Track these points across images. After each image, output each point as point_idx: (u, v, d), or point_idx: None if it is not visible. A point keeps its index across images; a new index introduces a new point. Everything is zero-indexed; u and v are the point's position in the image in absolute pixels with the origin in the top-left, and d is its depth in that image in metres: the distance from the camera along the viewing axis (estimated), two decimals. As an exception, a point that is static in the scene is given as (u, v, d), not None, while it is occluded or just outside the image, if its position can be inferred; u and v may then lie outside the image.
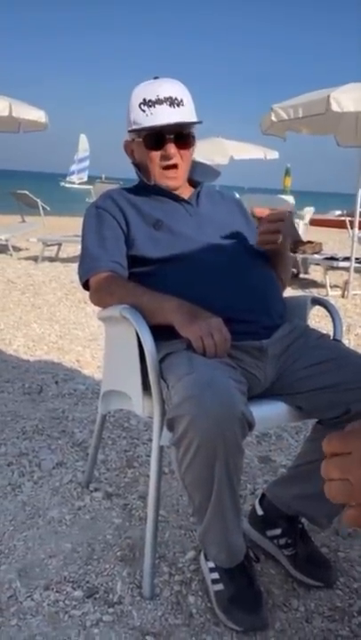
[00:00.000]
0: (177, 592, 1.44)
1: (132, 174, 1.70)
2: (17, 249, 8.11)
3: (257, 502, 1.63)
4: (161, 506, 1.43)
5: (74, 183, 37.50)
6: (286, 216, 1.51)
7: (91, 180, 39.44)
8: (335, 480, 0.57)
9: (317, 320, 1.70)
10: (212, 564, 1.38)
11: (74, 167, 38.57)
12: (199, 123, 1.59)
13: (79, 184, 37.30)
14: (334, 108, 5.12)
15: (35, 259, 7.24)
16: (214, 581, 1.37)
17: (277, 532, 1.55)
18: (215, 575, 1.37)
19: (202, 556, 1.45)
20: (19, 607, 1.38)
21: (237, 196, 1.87)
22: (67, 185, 37.27)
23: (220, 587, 1.36)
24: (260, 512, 1.60)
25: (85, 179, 38.24)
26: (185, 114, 1.55)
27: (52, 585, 1.45)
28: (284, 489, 1.56)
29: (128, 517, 1.76)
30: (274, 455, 2.20)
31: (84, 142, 36.87)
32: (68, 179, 39.03)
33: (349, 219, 6.91)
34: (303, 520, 1.56)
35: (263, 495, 1.61)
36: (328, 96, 5.12)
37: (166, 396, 1.30)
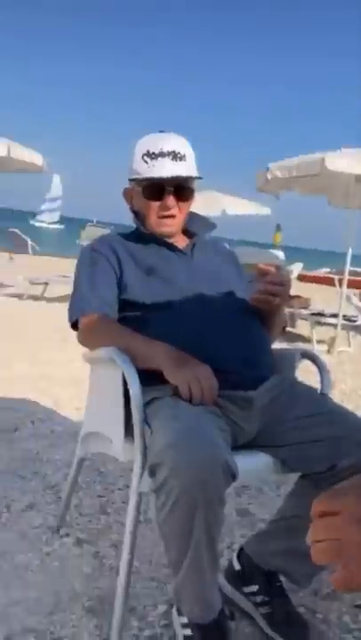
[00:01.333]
0: (146, 648, 1.37)
1: (121, 219, 1.75)
2: (3, 286, 8.09)
3: (234, 557, 1.58)
4: (134, 556, 1.38)
5: (44, 222, 37.53)
6: (287, 281, 1.51)
7: (62, 220, 39.33)
8: (323, 541, 0.56)
9: (303, 374, 1.71)
10: (184, 620, 1.33)
11: (45, 206, 38.88)
12: (199, 178, 1.63)
13: (49, 224, 37.30)
14: (328, 169, 5.31)
15: (20, 296, 7.22)
16: (186, 638, 1.31)
17: (254, 588, 1.50)
18: (187, 631, 1.31)
19: (174, 610, 1.39)
20: (-23, 657, 1.30)
21: (227, 247, 1.90)
22: (36, 224, 37.15)
23: (191, 644, 1.30)
24: (237, 567, 1.55)
25: (56, 219, 38.59)
26: (186, 168, 1.59)
27: (15, 636, 1.38)
28: (263, 544, 1.52)
29: (98, 566, 1.69)
30: (253, 509, 2.16)
31: (57, 183, 37.19)
32: (38, 217, 38.86)
33: (338, 277, 7.07)
34: (282, 577, 1.51)
35: (241, 549, 1.57)
36: (323, 158, 5.34)
37: (149, 441, 1.28)
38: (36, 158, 7.39)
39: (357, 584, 0.54)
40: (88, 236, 9.10)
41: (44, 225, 36.87)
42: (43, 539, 1.82)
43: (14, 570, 1.64)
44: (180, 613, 1.35)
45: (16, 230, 10.28)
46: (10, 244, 10.57)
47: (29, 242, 10.09)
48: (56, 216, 38.82)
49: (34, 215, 39.98)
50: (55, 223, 38.15)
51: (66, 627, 1.42)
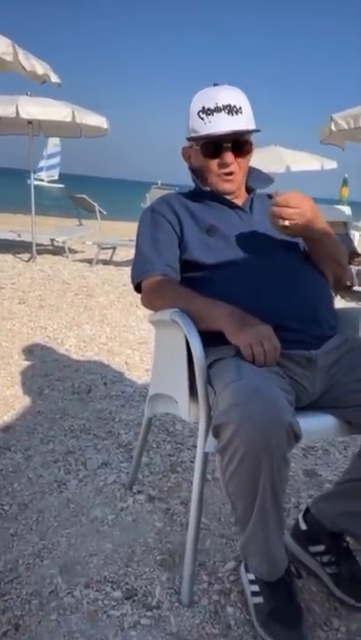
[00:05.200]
0: (215, 601, 1.42)
1: (181, 180, 1.71)
2: (73, 251, 8.28)
3: (301, 517, 1.59)
4: (203, 513, 1.42)
5: (42, 181, 33.75)
6: (290, 201, 1.42)
7: (61, 179, 34.24)
8: None
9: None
10: (252, 576, 1.36)
11: (42, 163, 34.73)
12: (257, 131, 1.58)
13: (49, 182, 34.21)
14: None
15: (89, 261, 7.36)
16: (254, 594, 1.35)
17: (321, 548, 1.51)
18: (255, 587, 1.35)
19: (242, 567, 1.43)
20: (59, 603, 1.40)
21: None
22: (35, 182, 34.19)
23: (259, 599, 1.34)
24: (303, 527, 1.56)
25: (56, 177, 35.22)
26: (243, 122, 1.54)
27: (93, 584, 1.47)
28: (329, 505, 1.52)
29: (170, 522, 1.76)
30: (320, 469, 2.16)
31: (54, 137, 33.13)
32: (36, 176, 36.19)
33: None
34: (348, 538, 1.52)
35: (307, 510, 1.58)
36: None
37: (213, 402, 1.30)
38: (100, 121, 7.43)
39: None
40: (153, 198, 9.09)
41: (44, 184, 33.28)
42: (117, 495, 1.90)
43: (91, 523, 1.73)
44: (247, 570, 1.38)
45: (84, 196, 10.40)
46: (77, 210, 10.75)
47: (97, 207, 10.19)
48: (55, 173, 35.12)
49: (30, 173, 36.50)
50: (54, 182, 34.97)
51: (139, 578, 1.50)
